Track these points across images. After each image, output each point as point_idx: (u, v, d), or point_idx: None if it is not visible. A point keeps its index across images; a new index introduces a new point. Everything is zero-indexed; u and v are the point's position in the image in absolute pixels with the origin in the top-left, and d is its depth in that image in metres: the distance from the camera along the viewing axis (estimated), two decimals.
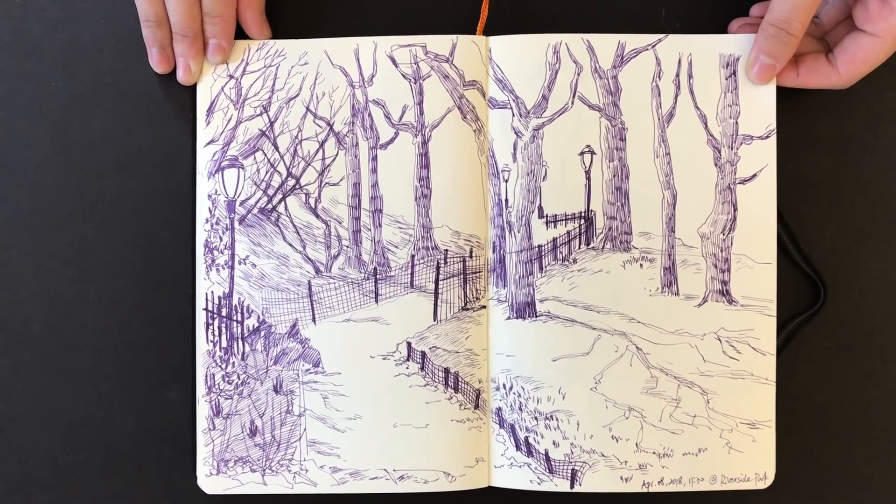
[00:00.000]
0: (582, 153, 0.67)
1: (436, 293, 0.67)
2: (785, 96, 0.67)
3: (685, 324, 0.66)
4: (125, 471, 0.68)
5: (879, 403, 0.68)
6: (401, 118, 0.67)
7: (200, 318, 0.67)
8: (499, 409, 0.67)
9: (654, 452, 0.66)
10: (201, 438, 0.67)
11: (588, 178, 0.67)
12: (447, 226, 0.67)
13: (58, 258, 0.68)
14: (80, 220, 0.68)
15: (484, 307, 0.67)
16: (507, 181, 0.67)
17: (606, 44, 0.67)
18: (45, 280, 0.68)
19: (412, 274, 0.67)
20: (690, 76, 0.67)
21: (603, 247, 0.67)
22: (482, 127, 0.67)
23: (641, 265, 0.67)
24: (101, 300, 0.68)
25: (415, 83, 0.67)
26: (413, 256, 0.67)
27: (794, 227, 0.68)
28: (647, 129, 0.67)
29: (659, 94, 0.67)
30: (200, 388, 0.67)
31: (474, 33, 0.67)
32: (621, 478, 0.66)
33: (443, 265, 0.67)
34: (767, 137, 0.67)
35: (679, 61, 0.67)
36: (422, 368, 0.67)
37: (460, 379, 0.67)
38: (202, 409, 0.67)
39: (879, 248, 0.69)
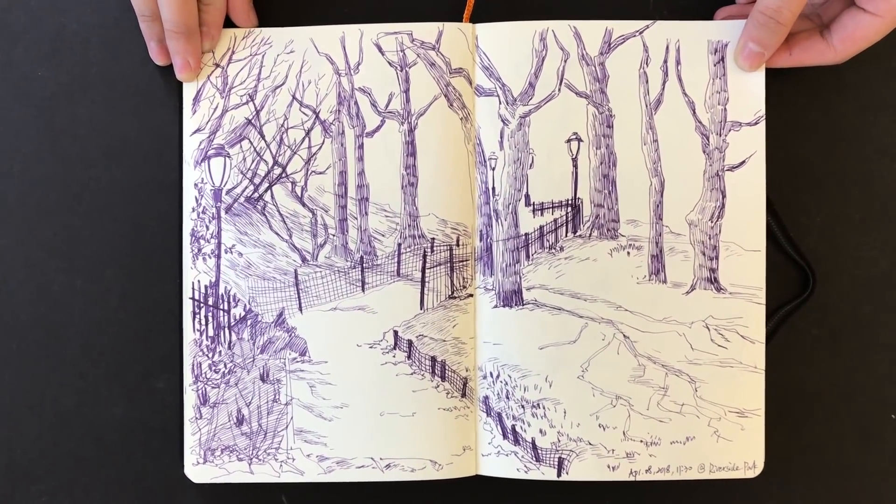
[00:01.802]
0: (569, 140, 0.66)
1: (422, 282, 0.67)
2: (775, 82, 0.66)
3: (673, 312, 0.66)
4: (113, 460, 0.68)
5: (868, 391, 0.68)
6: (387, 106, 0.67)
7: (187, 307, 0.67)
8: (486, 398, 0.66)
9: (641, 441, 0.66)
10: (188, 427, 0.67)
11: (575, 166, 0.66)
12: (434, 214, 0.67)
13: (45, 248, 0.68)
14: (67, 210, 0.68)
15: (471, 295, 0.67)
16: (493, 169, 0.67)
17: (593, 30, 0.66)
18: (33, 270, 0.68)
19: (399, 262, 0.67)
20: (678, 62, 0.66)
21: (590, 234, 0.67)
22: (469, 115, 0.67)
23: (629, 253, 0.66)
24: (88, 290, 0.68)
25: (401, 71, 0.67)
26: (400, 245, 0.67)
27: (784, 214, 0.68)
28: (634, 116, 0.66)
29: (646, 81, 0.66)
30: (187, 378, 0.67)
31: (461, 20, 0.67)
32: (608, 466, 0.66)
33: (429, 253, 0.67)
34: (756, 124, 0.66)
35: (667, 48, 0.66)
36: (408, 357, 0.66)
37: (447, 367, 0.66)
38: (189, 399, 0.67)
39: (869, 235, 0.68)
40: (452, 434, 0.66)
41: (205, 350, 0.67)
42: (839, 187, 0.68)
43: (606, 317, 0.66)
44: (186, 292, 0.67)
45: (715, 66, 0.66)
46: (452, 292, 0.67)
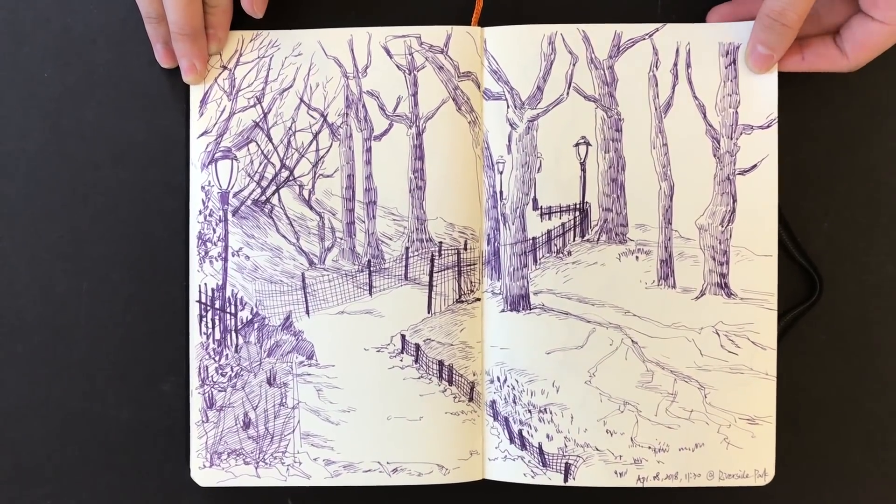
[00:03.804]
0: (577, 144, 0.66)
1: (430, 285, 0.66)
2: (782, 87, 0.66)
3: (682, 317, 0.66)
4: (119, 463, 0.68)
5: (877, 397, 0.68)
6: (395, 109, 0.67)
7: (194, 310, 0.67)
8: (493, 402, 0.66)
9: (649, 447, 0.65)
10: (195, 431, 0.66)
11: (583, 170, 0.66)
12: (441, 218, 0.66)
13: (51, 250, 0.68)
14: (74, 212, 0.68)
15: (478, 300, 0.66)
16: (501, 173, 0.66)
17: (602, 34, 0.66)
18: (39, 272, 0.68)
19: (406, 266, 0.67)
20: (689, 65, 0.66)
21: (598, 239, 0.66)
22: (477, 118, 0.66)
23: (637, 258, 0.66)
24: (94, 292, 0.68)
25: (409, 74, 0.66)
26: (407, 248, 0.67)
27: (791, 219, 0.67)
28: (643, 119, 0.66)
29: (656, 84, 0.66)
30: (194, 381, 0.66)
31: (469, 24, 0.67)
32: (616, 472, 0.65)
33: (437, 257, 0.66)
34: (768, 127, 0.66)
35: (677, 50, 0.66)
36: (416, 361, 0.66)
37: (454, 371, 0.66)
38: (195, 402, 0.66)
39: (877, 240, 0.68)
40: (459, 438, 0.66)
41: (211, 353, 0.66)
42: (846, 192, 0.68)
43: (614, 322, 0.66)
44: (193, 295, 0.67)
45: (726, 68, 0.66)
46: (460, 296, 0.66)
